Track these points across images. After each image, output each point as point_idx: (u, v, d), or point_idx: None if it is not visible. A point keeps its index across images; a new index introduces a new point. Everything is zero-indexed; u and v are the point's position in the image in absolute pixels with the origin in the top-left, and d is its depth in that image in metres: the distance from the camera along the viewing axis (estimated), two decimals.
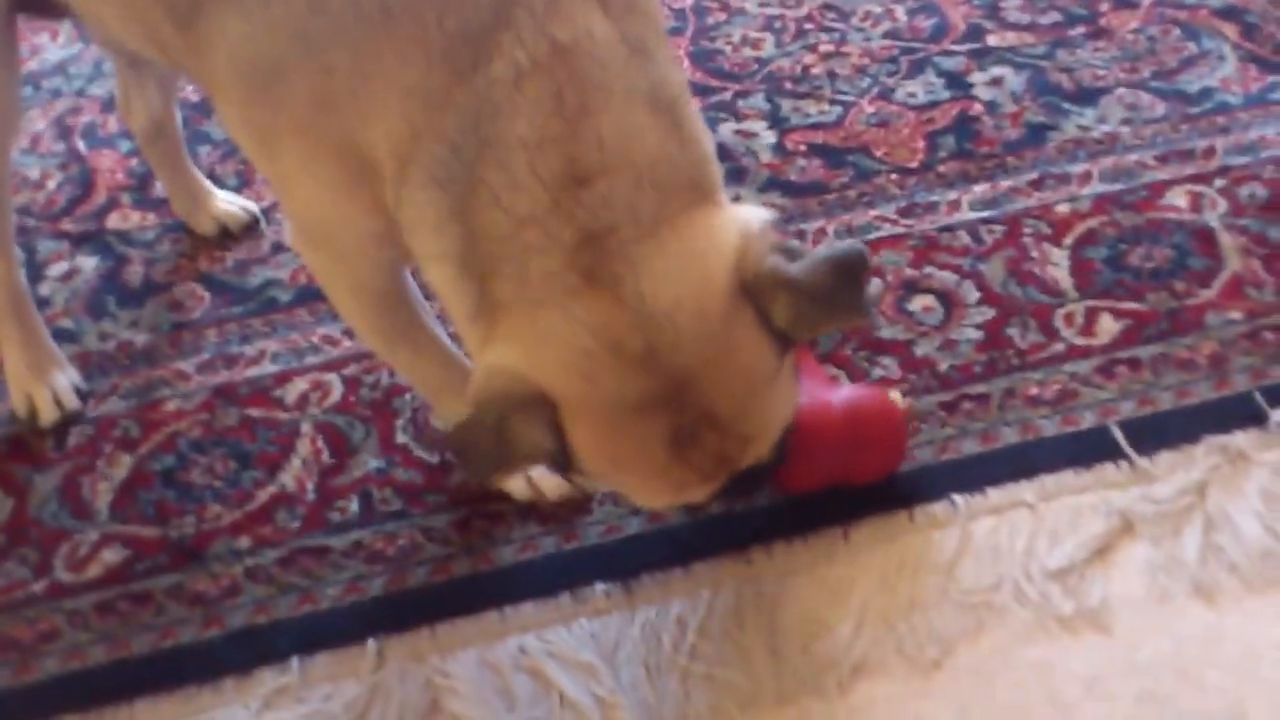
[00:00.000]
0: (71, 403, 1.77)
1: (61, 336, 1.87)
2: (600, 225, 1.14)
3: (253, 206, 2.03)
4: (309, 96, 1.22)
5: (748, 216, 1.20)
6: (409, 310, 1.50)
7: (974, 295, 1.75)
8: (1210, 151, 1.92)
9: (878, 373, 1.67)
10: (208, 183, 2.04)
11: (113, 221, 2.08)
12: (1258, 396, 1.59)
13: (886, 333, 1.72)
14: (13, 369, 1.79)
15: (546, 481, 1.56)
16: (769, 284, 1.16)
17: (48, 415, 1.76)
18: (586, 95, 1.15)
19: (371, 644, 1.47)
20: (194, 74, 1.40)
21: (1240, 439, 1.55)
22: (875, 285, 1.67)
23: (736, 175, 1.97)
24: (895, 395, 1.53)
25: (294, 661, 1.47)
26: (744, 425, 1.20)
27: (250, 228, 2.02)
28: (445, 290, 1.24)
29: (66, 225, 2.08)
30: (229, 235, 2.02)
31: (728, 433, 1.19)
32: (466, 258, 1.19)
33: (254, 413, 1.74)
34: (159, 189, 2.08)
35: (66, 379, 1.79)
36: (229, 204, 2.03)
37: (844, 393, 1.54)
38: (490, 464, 1.21)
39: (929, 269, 1.79)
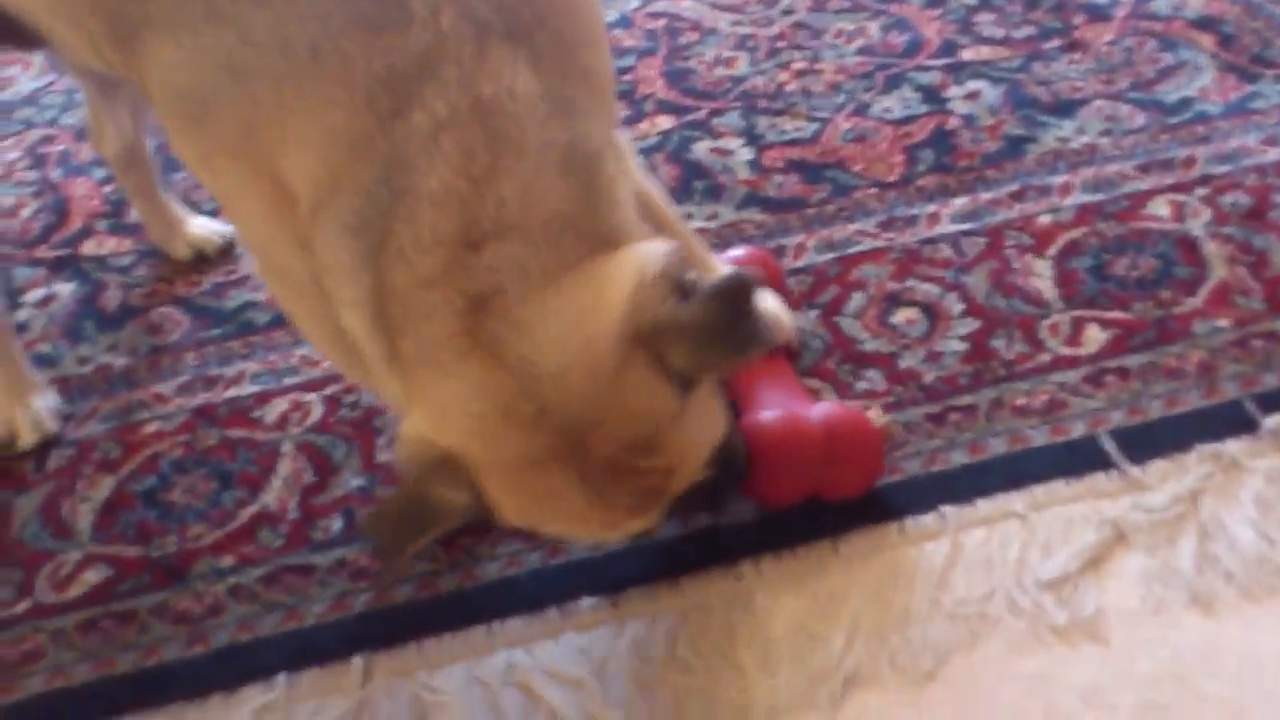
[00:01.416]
0: (50, 426, 1.76)
1: (40, 362, 1.86)
2: (486, 289, 1.13)
3: (227, 230, 2.01)
4: (237, 123, 1.21)
5: (644, 260, 1.17)
6: None
7: (958, 307, 1.74)
8: (1191, 161, 1.92)
9: (862, 385, 1.66)
10: (182, 208, 2.02)
11: (88, 248, 2.07)
12: (1248, 404, 1.58)
13: (870, 346, 1.71)
14: None
15: None
16: (661, 331, 1.15)
17: (27, 438, 1.75)
18: (498, 154, 1.14)
19: (358, 660, 1.45)
20: (140, 92, 1.39)
21: (1232, 446, 1.54)
22: (766, 303, 1.65)
23: (713, 193, 1.97)
24: (874, 412, 1.53)
25: (280, 678, 1.45)
26: (658, 460, 1.18)
27: (225, 252, 2.01)
28: (359, 337, 1.24)
29: (42, 252, 2.06)
30: (204, 259, 2.00)
31: (643, 471, 1.18)
32: (378, 310, 1.18)
33: (234, 433, 1.73)
34: (134, 215, 2.06)
35: (44, 403, 1.78)
36: (203, 229, 2.01)
37: (822, 409, 1.52)
38: (410, 533, 1.19)
39: (911, 281, 1.79)
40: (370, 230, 1.16)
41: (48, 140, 2.30)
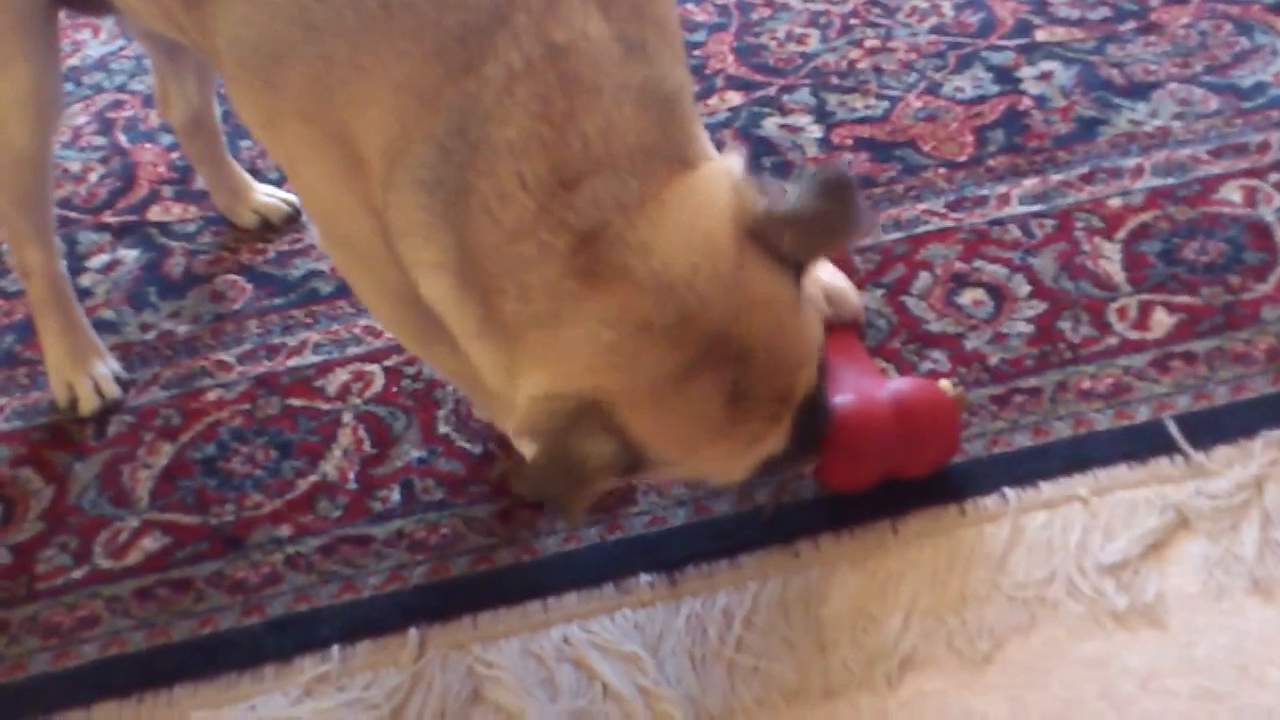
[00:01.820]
0: (112, 391, 1.77)
1: (103, 327, 1.87)
2: (592, 223, 1.14)
3: (293, 199, 2.02)
4: (308, 83, 1.21)
5: (727, 169, 1.20)
6: None
7: (1025, 289, 1.72)
8: (1265, 146, 1.88)
9: (926, 366, 1.64)
10: (248, 176, 2.03)
11: (154, 214, 2.08)
12: None
13: (935, 326, 1.69)
14: (54, 358, 1.78)
15: None
16: (768, 223, 1.17)
17: (88, 404, 1.75)
18: (574, 98, 1.15)
19: (413, 633, 1.45)
20: (207, 55, 1.39)
21: None
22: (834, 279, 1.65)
23: (782, 169, 1.95)
24: (945, 384, 1.51)
25: (334, 649, 1.45)
26: (785, 356, 1.20)
27: (291, 220, 2.01)
28: (442, 303, 1.24)
29: (108, 218, 2.08)
30: (270, 227, 2.01)
31: (774, 368, 1.19)
32: (464, 270, 1.18)
33: (295, 402, 1.73)
34: (200, 182, 2.08)
35: (107, 368, 1.79)
36: (269, 197, 2.02)
37: (892, 385, 1.51)
38: (567, 492, 1.18)
39: (979, 262, 1.77)
40: (447, 187, 1.16)
41: (116, 105, 2.31)
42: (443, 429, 1.67)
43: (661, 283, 1.13)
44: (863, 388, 1.49)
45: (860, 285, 1.73)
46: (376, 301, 1.46)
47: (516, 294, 1.16)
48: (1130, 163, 1.88)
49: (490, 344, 1.21)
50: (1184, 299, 1.68)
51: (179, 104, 1.92)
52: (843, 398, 1.46)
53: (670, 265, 1.14)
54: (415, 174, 1.17)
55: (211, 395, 1.76)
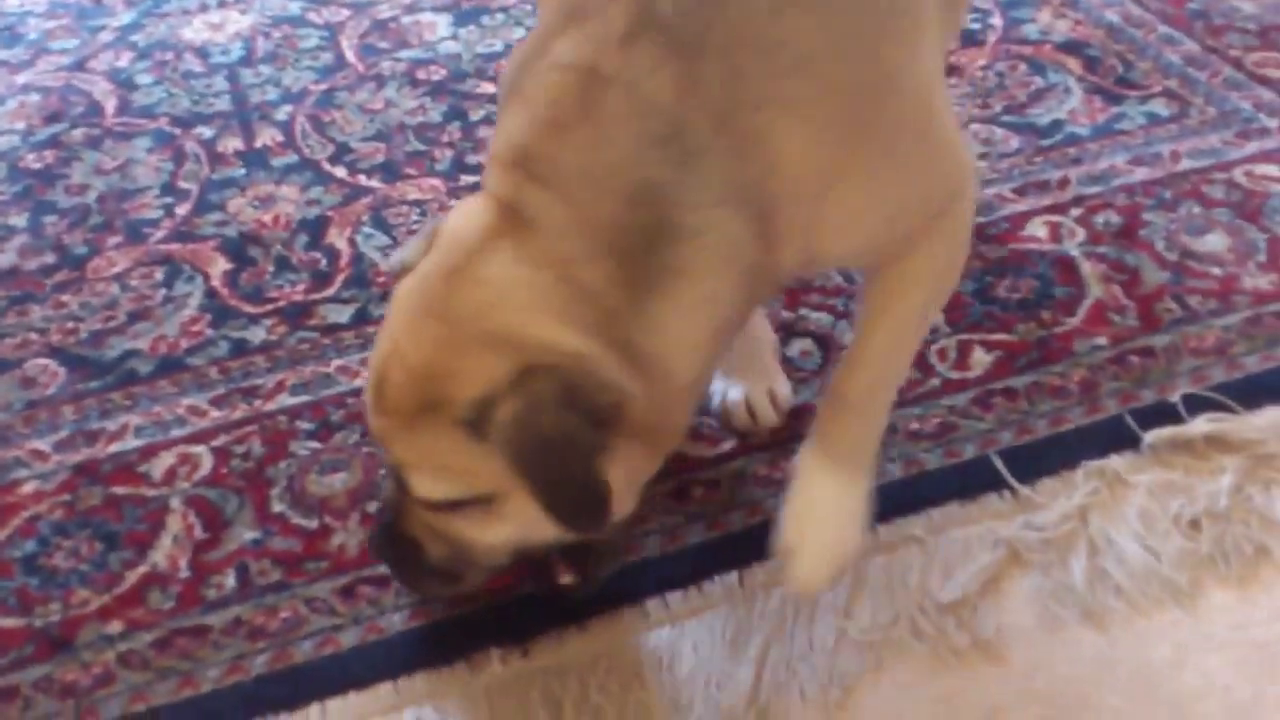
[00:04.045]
0: None
1: None
2: None
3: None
4: None
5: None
6: None
7: (849, 336, 1.76)
8: (1065, 182, 1.97)
9: None
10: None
11: None
12: (1128, 419, 1.63)
13: None
14: None
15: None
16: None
17: None
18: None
19: None
20: None
21: (1116, 462, 1.58)
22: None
23: None
24: None
25: None
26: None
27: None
28: None
29: None
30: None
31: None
32: None
33: (119, 490, 1.67)
34: (2, 260, 1.99)
35: None
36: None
37: None
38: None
39: (803, 311, 1.80)
40: None
41: None
42: (277, 507, 1.63)
43: None
44: None
45: None
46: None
47: None
48: None
49: None
50: (1000, 336, 1.74)
51: None
52: None
53: None
54: None
55: (28, 487, 1.68)
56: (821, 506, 1.40)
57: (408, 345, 1.20)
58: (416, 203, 2.09)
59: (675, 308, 1.17)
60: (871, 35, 1.18)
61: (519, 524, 1.26)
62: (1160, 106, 2.10)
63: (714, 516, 1.57)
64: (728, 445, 1.65)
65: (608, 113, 1.14)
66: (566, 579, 1.42)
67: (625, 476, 1.25)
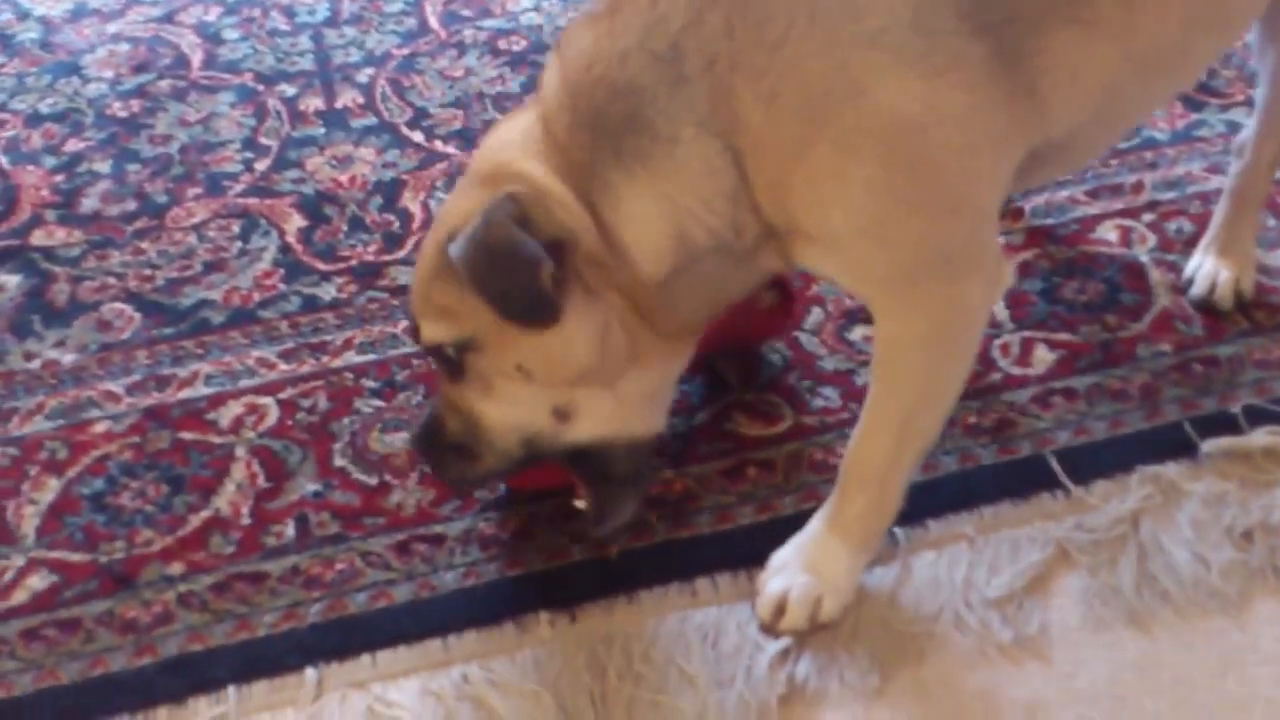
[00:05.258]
0: None
1: None
2: None
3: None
4: None
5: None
6: None
7: None
8: (1139, 186, 1.96)
9: (818, 403, 1.68)
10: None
11: (37, 239, 2.04)
12: (1187, 427, 1.62)
13: (828, 363, 1.73)
14: None
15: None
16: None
17: None
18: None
19: (310, 672, 1.44)
20: None
21: (1171, 469, 1.58)
22: None
23: None
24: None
25: (230, 690, 1.43)
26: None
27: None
28: None
29: None
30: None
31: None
32: None
33: (187, 435, 1.71)
34: (85, 205, 2.04)
35: None
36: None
37: None
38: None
39: None
40: None
41: None
42: (338, 462, 1.66)
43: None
44: None
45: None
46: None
47: None
48: (1011, 204, 1.94)
49: None
50: (1064, 336, 1.74)
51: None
52: None
53: None
54: None
55: (99, 427, 1.73)
56: (810, 558, 1.47)
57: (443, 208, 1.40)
58: None
59: (633, 190, 1.28)
60: (847, 44, 1.21)
61: (508, 400, 1.37)
62: (1241, 115, 2.08)
63: (766, 499, 1.59)
64: (784, 426, 1.66)
65: (623, 17, 1.26)
66: (580, 503, 1.48)
67: (626, 340, 1.36)
